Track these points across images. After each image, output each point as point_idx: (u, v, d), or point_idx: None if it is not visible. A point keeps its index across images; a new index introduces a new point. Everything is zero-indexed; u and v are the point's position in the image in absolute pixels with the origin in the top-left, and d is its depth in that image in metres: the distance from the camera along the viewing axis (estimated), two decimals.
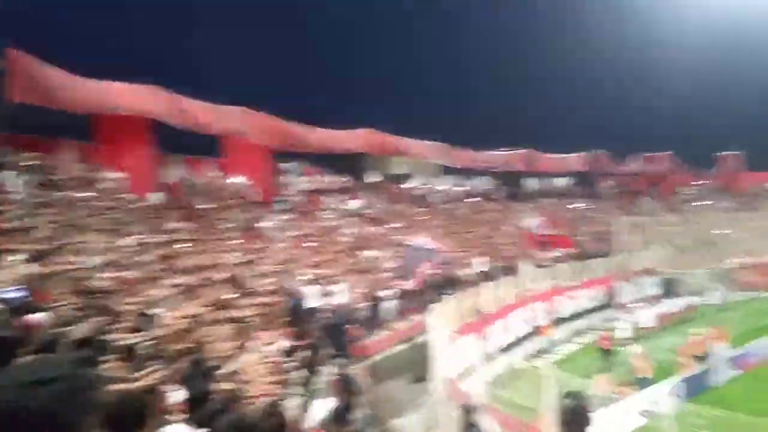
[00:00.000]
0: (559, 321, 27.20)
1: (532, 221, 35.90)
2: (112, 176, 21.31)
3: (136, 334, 8.55)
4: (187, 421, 5.26)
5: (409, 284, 24.36)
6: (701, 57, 63.59)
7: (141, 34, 42.96)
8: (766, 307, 30.04)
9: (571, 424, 2.99)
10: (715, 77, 64.37)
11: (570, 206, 50.74)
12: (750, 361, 20.97)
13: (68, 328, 7.71)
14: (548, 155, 52.22)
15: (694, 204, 54.91)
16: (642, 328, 25.76)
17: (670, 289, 34.15)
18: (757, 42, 61.37)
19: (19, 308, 7.13)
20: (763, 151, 56.17)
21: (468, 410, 9.41)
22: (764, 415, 13.14)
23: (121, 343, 7.43)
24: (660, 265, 36.15)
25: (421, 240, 24.62)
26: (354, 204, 34.42)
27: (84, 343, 6.39)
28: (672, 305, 28.97)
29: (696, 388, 17.73)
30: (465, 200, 45.54)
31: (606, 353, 22.35)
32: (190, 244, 19.90)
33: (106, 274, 13.20)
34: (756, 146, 56.74)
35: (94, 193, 19.30)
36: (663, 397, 15.02)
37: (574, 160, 54.02)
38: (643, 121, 66.07)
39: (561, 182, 56.46)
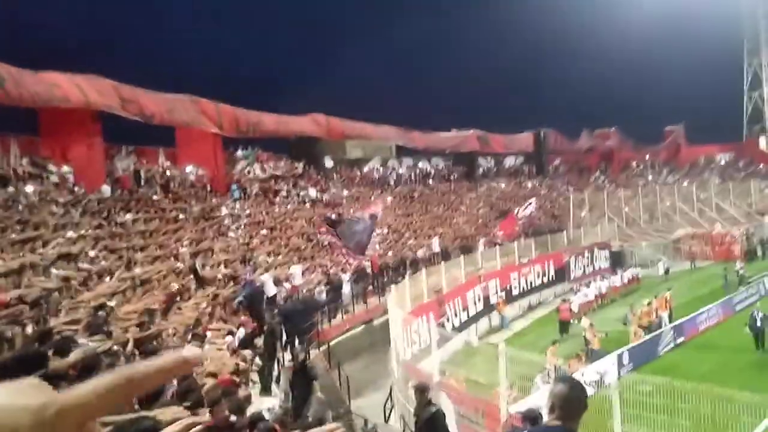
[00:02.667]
0: (514, 297, 27.86)
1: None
2: (59, 170, 20.90)
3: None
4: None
5: (361, 262, 24.33)
6: (643, 32, 64.89)
7: (84, 23, 41.79)
8: (707, 277, 31.24)
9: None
10: (658, 51, 66.08)
11: (522, 184, 51.73)
12: (693, 329, 21.88)
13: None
14: (499, 135, 52.84)
15: (641, 178, 56.58)
16: (591, 300, 26.56)
17: (618, 261, 35.27)
18: (699, 18, 62.83)
19: None
20: (703, 126, 58.25)
21: (423, 389, 9.72)
22: (706, 380, 13.79)
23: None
24: (609, 239, 37.27)
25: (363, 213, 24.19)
26: (310, 190, 34.41)
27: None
28: (619, 278, 29.93)
29: (642, 357, 18.50)
30: (420, 182, 45.90)
31: (564, 324, 23.08)
32: (143, 237, 19.73)
33: (58, 270, 13.09)
34: (695, 120, 58.75)
35: (42, 187, 18.92)
36: (610, 367, 15.68)
37: (524, 138, 54.79)
38: (589, 98, 67.26)
39: (512, 161, 57.30)
